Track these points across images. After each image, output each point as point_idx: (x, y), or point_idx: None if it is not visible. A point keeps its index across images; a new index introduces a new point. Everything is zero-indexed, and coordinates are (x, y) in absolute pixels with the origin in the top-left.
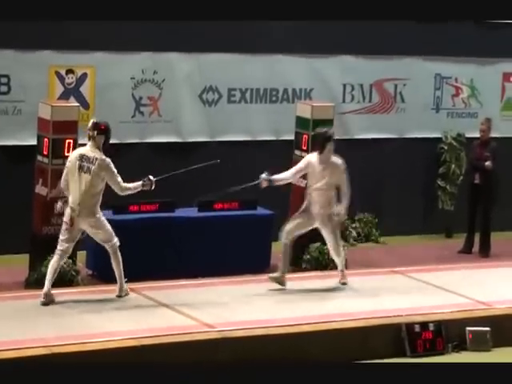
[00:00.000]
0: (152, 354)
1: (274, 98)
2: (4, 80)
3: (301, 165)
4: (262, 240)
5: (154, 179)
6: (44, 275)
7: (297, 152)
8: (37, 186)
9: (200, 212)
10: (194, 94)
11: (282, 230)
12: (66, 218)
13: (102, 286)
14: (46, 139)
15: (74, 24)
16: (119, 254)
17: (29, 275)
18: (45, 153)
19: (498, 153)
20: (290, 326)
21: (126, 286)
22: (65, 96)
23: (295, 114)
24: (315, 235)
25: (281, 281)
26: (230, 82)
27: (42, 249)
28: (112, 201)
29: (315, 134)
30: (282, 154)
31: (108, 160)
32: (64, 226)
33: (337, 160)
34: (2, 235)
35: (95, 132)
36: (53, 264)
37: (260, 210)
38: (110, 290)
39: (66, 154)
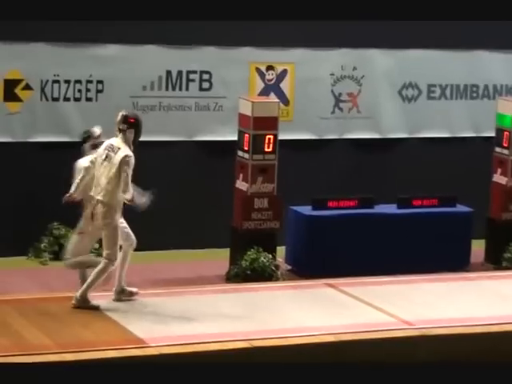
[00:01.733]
0: (350, 350)
1: (474, 94)
2: (206, 76)
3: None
4: (462, 237)
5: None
6: (244, 269)
7: (497, 149)
8: (237, 181)
9: (399, 209)
10: (393, 90)
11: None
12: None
13: (301, 281)
14: (246, 135)
15: (274, 21)
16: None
17: (229, 269)
18: (245, 148)
19: None
20: (492, 325)
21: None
22: (265, 92)
23: (496, 110)
24: None
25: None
26: (429, 78)
27: (242, 243)
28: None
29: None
30: (481, 150)
31: (131, 158)
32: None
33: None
34: (204, 229)
35: (125, 126)
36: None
37: (459, 207)
38: (308, 285)
39: (266, 150)
